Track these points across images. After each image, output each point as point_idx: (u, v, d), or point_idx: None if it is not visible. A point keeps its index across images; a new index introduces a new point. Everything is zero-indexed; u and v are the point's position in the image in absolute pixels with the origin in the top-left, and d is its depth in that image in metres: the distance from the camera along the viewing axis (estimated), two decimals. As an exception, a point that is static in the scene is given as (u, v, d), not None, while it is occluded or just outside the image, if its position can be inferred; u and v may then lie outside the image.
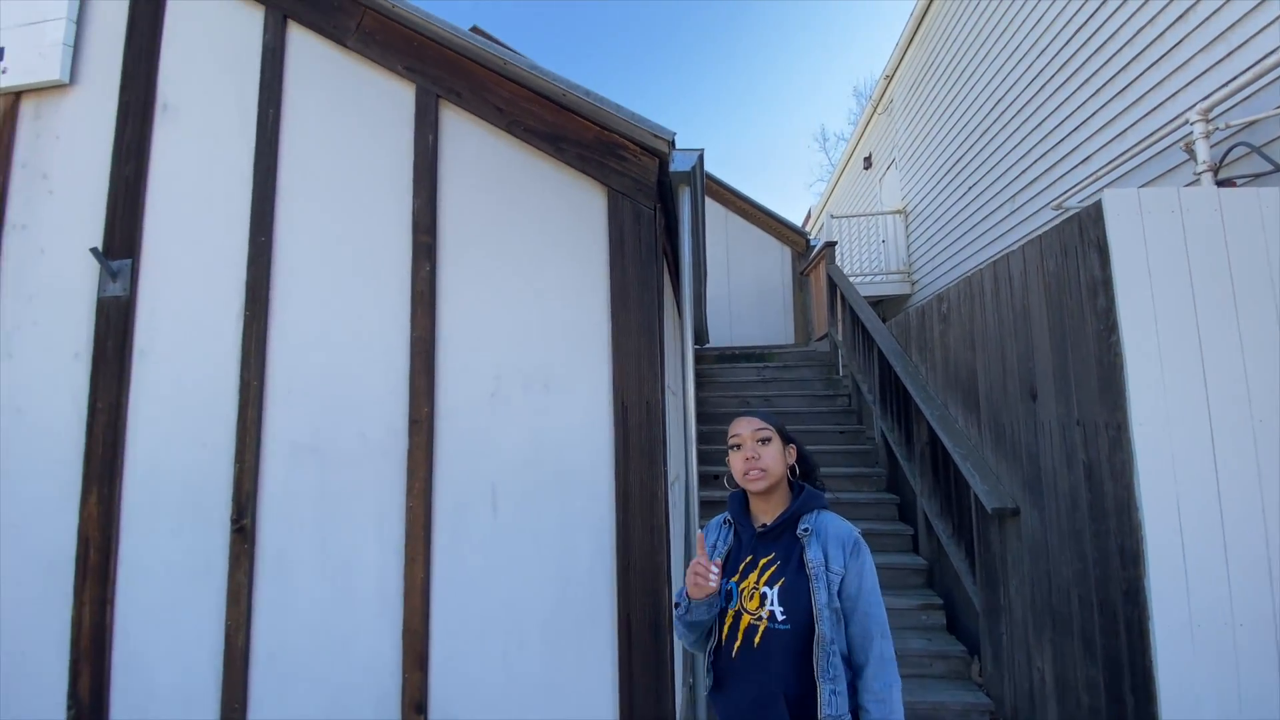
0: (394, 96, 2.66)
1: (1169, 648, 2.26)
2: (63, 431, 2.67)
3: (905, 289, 8.81)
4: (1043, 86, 5.41)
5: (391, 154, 2.62)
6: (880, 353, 5.32)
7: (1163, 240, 2.44)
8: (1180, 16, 3.84)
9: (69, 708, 2.53)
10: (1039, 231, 5.05)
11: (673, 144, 2.39)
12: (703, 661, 1.71)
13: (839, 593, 1.54)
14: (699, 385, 6.84)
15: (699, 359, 7.61)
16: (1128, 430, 2.39)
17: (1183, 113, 3.73)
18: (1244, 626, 2.22)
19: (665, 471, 2.39)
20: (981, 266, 3.74)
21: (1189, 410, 2.35)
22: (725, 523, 1.77)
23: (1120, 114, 4.41)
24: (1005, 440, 3.39)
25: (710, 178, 9.48)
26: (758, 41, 46.75)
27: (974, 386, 3.78)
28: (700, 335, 7.36)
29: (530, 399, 2.44)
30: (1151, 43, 4.09)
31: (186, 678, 2.47)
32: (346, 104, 2.69)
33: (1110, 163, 4.39)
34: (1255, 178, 3.23)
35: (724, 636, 1.63)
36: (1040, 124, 5.46)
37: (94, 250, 2.66)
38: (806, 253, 9.42)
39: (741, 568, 1.65)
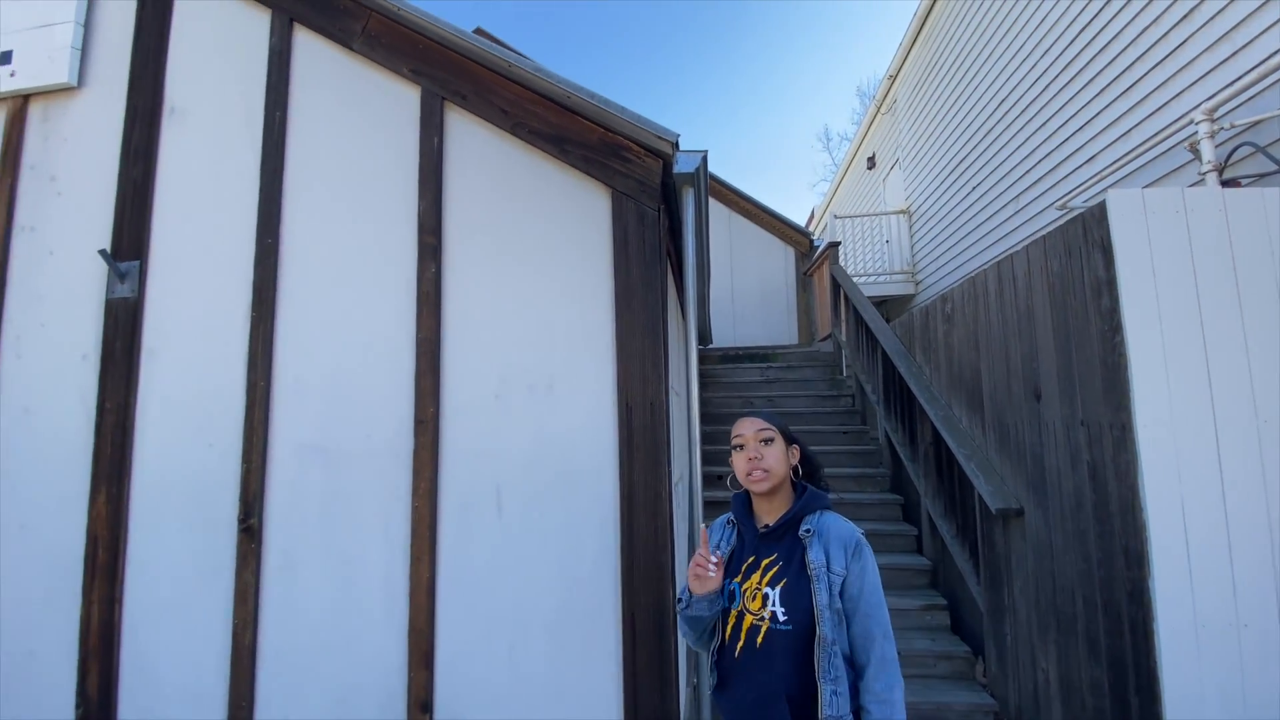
0: (399, 99, 2.67)
1: (1173, 649, 2.25)
2: (71, 432, 2.69)
3: (909, 289, 8.80)
4: (1047, 86, 5.40)
5: (397, 156, 2.63)
6: (884, 353, 5.31)
7: (1167, 240, 2.44)
8: (1185, 16, 3.83)
9: (77, 705, 2.55)
10: (1043, 232, 5.04)
11: (676, 145, 2.40)
12: (706, 661, 1.72)
13: (841, 593, 1.54)
14: (702, 386, 6.85)
15: (702, 359, 7.61)
16: (1132, 431, 2.39)
17: (1187, 112, 3.72)
18: (1249, 627, 2.22)
19: (669, 472, 2.40)
20: (985, 267, 3.73)
21: (1194, 411, 2.35)
22: (729, 523, 1.78)
23: (1125, 114, 4.40)
24: (1009, 441, 3.39)
25: (713, 178, 9.49)
26: (761, 41, 46.73)
27: (978, 387, 3.78)
28: (704, 336, 7.37)
29: (535, 399, 2.45)
30: (1156, 42, 4.08)
31: (194, 676, 2.49)
32: (352, 106, 2.70)
33: (1115, 162, 4.39)
34: (1260, 177, 3.22)
35: (727, 636, 1.64)
36: (1044, 124, 5.46)
37: (102, 252, 2.68)
38: (810, 253, 9.42)
39: (744, 568, 1.65)
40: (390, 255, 2.59)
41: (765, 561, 1.63)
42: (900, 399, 5.06)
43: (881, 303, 9.04)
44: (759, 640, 1.57)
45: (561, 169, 2.55)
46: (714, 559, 1.63)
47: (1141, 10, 4.20)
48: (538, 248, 2.53)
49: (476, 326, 2.52)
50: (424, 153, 2.61)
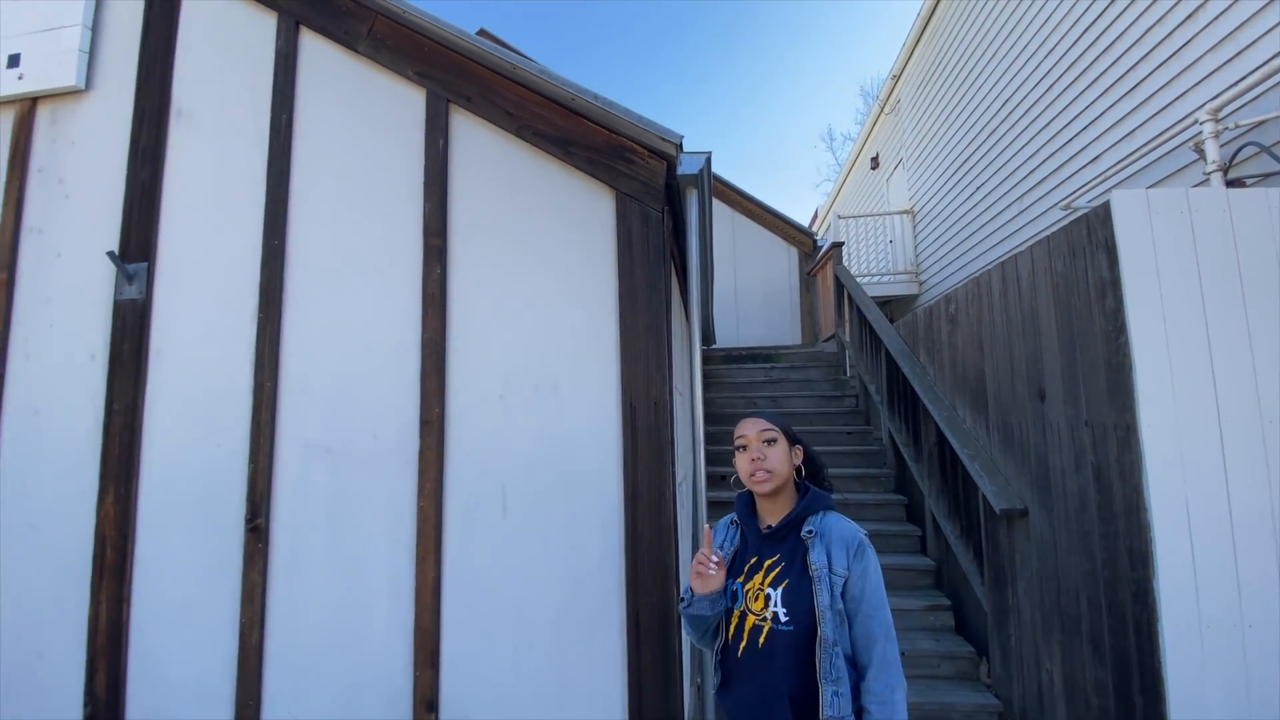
0: (405, 101, 2.69)
1: (1178, 649, 2.25)
2: (80, 432, 2.71)
3: (913, 289, 8.80)
4: (1051, 86, 5.39)
5: (403, 158, 2.65)
6: (888, 353, 5.31)
7: (1171, 241, 2.44)
8: (1189, 16, 3.82)
9: (85, 704, 2.57)
10: (1047, 232, 5.04)
11: (680, 147, 2.41)
12: (710, 660, 1.73)
13: (843, 594, 1.54)
14: (706, 386, 6.85)
15: (706, 360, 7.61)
16: (1136, 431, 2.39)
17: (1192, 112, 3.71)
18: (1254, 628, 2.22)
19: (673, 472, 2.41)
20: (989, 267, 3.73)
21: (1198, 411, 2.34)
22: (732, 523, 1.79)
23: (1129, 114, 4.40)
24: (1013, 441, 3.39)
25: (717, 178, 9.49)
26: (765, 41, 46.71)
27: (982, 387, 3.78)
28: (707, 336, 7.38)
29: (540, 400, 2.46)
30: (1160, 42, 4.07)
31: (201, 675, 2.51)
32: (358, 108, 2.72)
33: (1119, 162, 4.38)
34: (1265, 177, 3.22)
35: (730, 636, 1.65)
36: (1048, 124, 5.45)
37: (110, 254, 2.70)
38: (813, 253, 9.42)
39: (747, 568, 1.66)
40: (396, 257, 2.60)
41: (768, 562, 1.63)
42: (904, 399, 5.06)
43: (885, 303, 9.04)
44: (761, 640, 1.58)
45: (566, 171, 2.56)
46: (715, 558, 1.64)
47: (1146, 10, 4.20)
48: (542, 249, 2.54)
49: (481, 327, 2.53)
50: (429, 155, 2.63)
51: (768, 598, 1.59)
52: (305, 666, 2.46)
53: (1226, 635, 2.23)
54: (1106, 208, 2.53)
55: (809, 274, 9.23)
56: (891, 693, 1.49)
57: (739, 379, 7.16)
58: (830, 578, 1.54)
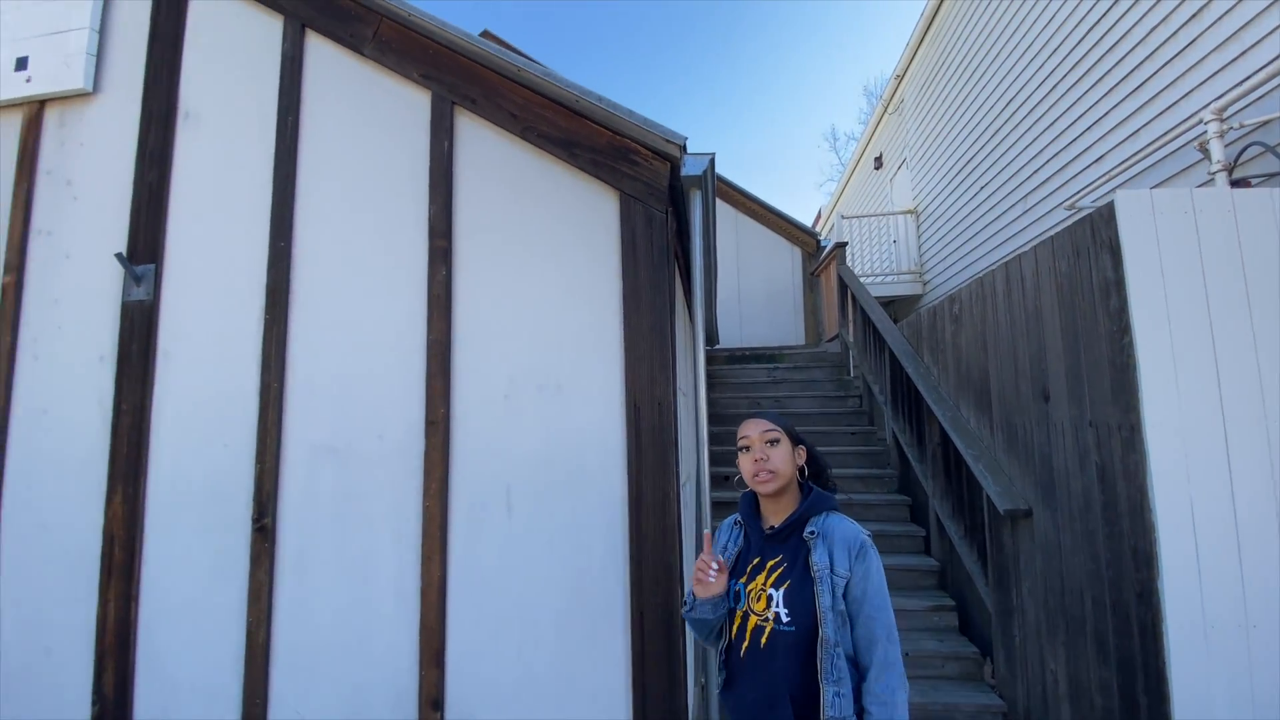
0: (410, 103, 2.70)
1: (1182, 649, 2.25)
2: (89, 432, 2.73)
3: (917, 289, 8.79)
4: (1055, 85, 5.39)
5: (408, 159, 2.66)
6: (891, 353, 5.31)
7: (1176, 241, 2.44)
8: (1194, 15, 3.82)
9: (93, 703, 2.59)
10: (1051, 232, 5.04)
11: (684, 149, 2.42)
12: (715, 660, 1.74)
13: (844, 595, 1.55)
14: (710, 386, 6.86)
15: (709, 360, 7.62)
16: (1140, 431, 2.39)
17: (1196, 112, 3.71)
18: (1258, 628, 2.22)
19: (677, 472, 2.42)
20: (993, 267, 3.73)
21: (1202, 411, 2.34)
22: (736, 524, 1.80)
23: (1133, 113, 4.39)
24: (1017, 441, 3.39)
25: (720, 179, 9.49)
26: (768, 41, 46.67)
27: (986, 387, 3.77)
28: (711, 336, 7.38)
29: (544, 400, 2.47)
30: (1165, 41, 4.07)
31: (209, 674, 2.53)
32: (364, 111, 2.73)
33: (1123, 162, 4.37)
34: (1270, 177, 3.21)
35: (733, 636, 1.66)
36: (1053, 123, 5.44)
37: (118, 255, 2.72)
38: (817, 253, 9.41)
39: (750, 569, 1.67)
40: (401, 258, 2.62)
41: (770, 563, 1.64)
42: (908, 400, 5.06)
43: (889, 303, 9.03)
44: (763, 641, 1.59)
45: (570, 172, 2.57)
46: (715, 565, 1.64)
47: (1150, 9, 4.19)
48: (547, 250, 2.55)
49: (486, 328, 2.54)
50: (434, 156, 2.64)
51: (770, 598, 1.60)
52: (311, 665, 2.48)
53: (1231, 635, 2.23)
54: (1111, 208, 2.53)
55: (812, 274, 9.23)
56: (892, 694, 1.49)
57: (742, 379, 7.16)
58: (832, 579, 1.55)
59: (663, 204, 2.48)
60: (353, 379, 2.58)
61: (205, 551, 2.59)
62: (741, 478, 1.73)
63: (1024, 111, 5.91)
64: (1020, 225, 6.01)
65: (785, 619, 1.56)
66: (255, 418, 2.61)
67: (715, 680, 1.76)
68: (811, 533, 1.61)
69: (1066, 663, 2.93)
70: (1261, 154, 3.29)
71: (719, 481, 5.13)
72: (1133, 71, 4.38)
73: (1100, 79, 4.75)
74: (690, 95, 51.20)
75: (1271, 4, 3.29)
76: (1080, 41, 4.99)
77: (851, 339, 6.93)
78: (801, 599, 1.55)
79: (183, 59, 2.91)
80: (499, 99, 2.62)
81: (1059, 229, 3.66)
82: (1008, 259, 3.52)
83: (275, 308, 2.65)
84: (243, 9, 2.89)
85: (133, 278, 2.75)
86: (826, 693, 1.48)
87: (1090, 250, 2.69)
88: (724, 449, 5.52)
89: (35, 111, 3.01)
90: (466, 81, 2.65)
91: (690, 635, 2.48)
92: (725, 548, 1.77)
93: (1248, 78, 3.39)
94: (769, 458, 1.66)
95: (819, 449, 1.82)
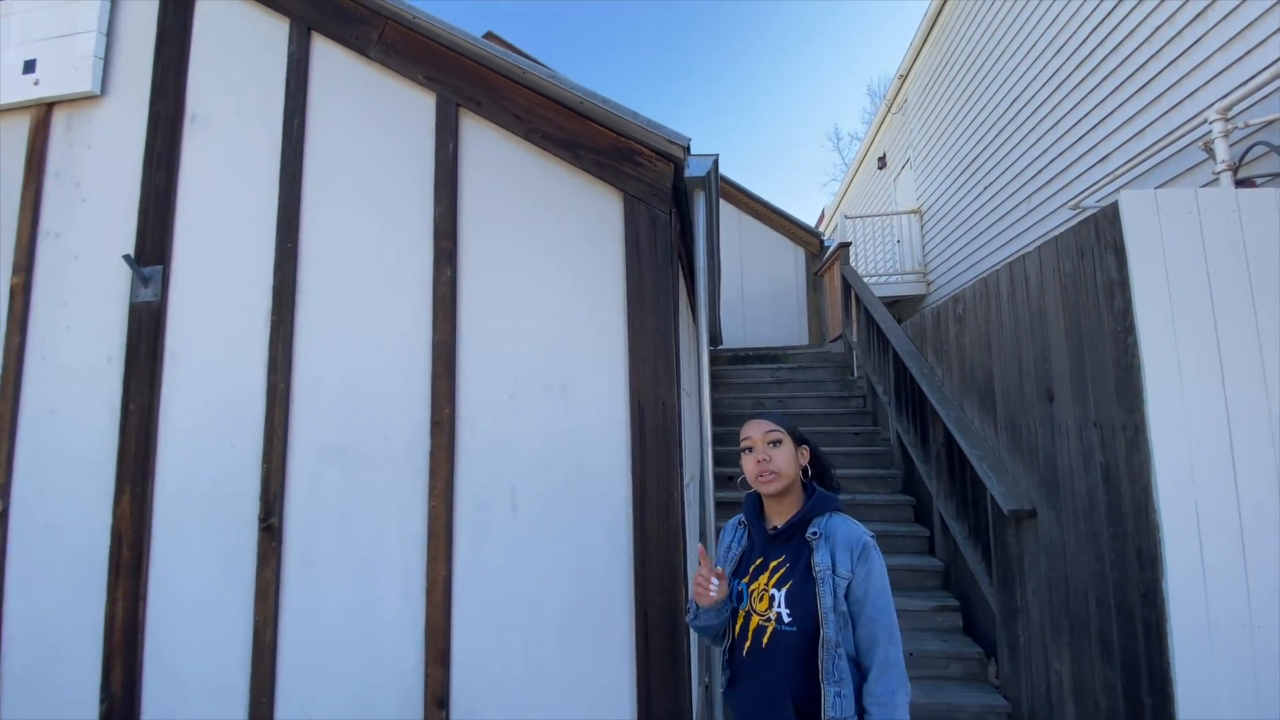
0: (415, 105, 2.71)
1: (1186, 650, 2.25)
2: (97, 433, 2.75)
3: (920, 289, 8.78)
4: (1059, 85, 5.38)
5: (413, 161, 2.68)
6: (895, 354, 5.31)
7: (1180, 241, 2.44)
8: (1198, 15, 3.81)
9: (101, 701, 2.60)
10: (1055, 232, 5.03)
11: (688, 150, 2.43)
12: (719, 660, 1.74)
13: (846, 596, 1.55)
14: (713, 386, 6.86)
15: (713, 360, 7.63)
16: (1145, 432, 2.39)
17: (1201, 111, 3.70)
18: (1262, 629, 2.22)
19: (681, 472, 2.42)
20: (997, 267, 3.73)
21: (1207, 411, 2.34)
22: (740, 524, 1.80)
23: (1138, 113, 4.38)
24: (1022, 442, 3.39)
25: (724, 179, 9.49)
26: (772, 41, 46.65)
27: (990, 388, 3.77)
28: (714, 337, 7.38)
29: (549, 401, 2.48)
30: (1169, 41, 4.06)
31: (216, 673, 2.54)
32: (369, 113, 2.75)
33: (1128, 162, 4.37)
34: (1274, 177, 3.20)
35: (736, 636, 1.66)
36: (1057, 123, 5.43)
37: (126, 257, 2.74)
38: (820, 253, 9.41)
39: (753, 569, 1.68)
40: (407, 259, 2.63)
41: (773, 563, 1.65)
42: (912, 400, 5.06)
43: (893, 303, 9.02)
44: (765, 641, 1.59)
45: (574, 173, 2.58)
46: (715, 583, 1.63)
47: (1155, 8, 4.18)
48: (551, 251, 2.56)
49: (491, 329, 2.56)
50: (439, 158, 2.65)
51: (772, 598, 1.60)
52: (318, 664, 2.49)
53: (1235, 636, 2.23)
54: (1115, 208, 2.53)
55: (816, 274, 9.23)
56: (892, 695, 1.49)
57: (746, 379, 7.16)
58: (834, 580, 1.55)
59: (666, 205, 2.49)
60: (358, 379, 2.60)
61: (212, 551, 2.61)
62: (745, 478, 1.74)
63: (1028, 111, 5.91)
64: (1024, 225, 6.00)
65: (787, 619, 1.57)
66: (262, 418, 2.62)
67: (719, 680, 1.76)
68: (814, 533, 1.62)
69: (1071, 663, 2.93)
70: (1266, 154, 3.29)
71: (723, 481, 5.14)
72: (1137, 71, 4.37)
73: (1105, 78, 4.74)
74: (694, 96, 51.22)
75: (1276, 3, 3.28)
76: (1085, 41, 4.98)
77: (855, 339, 6.93)
78: (803, 599, 1.56)
79: (189, 62, 2.93)
80: (503, 101, 2.64)
81: (1063, 229, 3.65)
82: (1012, 259, 3.51)
83: (282, 309, 2.66)
84: (249, 12, 2.91)
85: (140, 279, 2.77)
86: (828, 693, 1.49)
87: (1094, 250, 2.69)
88: (728, 449, 5.53)
89: (43, 114, 3.03)
90: (471, 83, 2.67)
91: (694, 635, 2.49)
92: (729, 547, 1.77)
93: (1252, 77, 3.38)
94: (772, 458, 1.67)
95: (823, 449, 1.83)
